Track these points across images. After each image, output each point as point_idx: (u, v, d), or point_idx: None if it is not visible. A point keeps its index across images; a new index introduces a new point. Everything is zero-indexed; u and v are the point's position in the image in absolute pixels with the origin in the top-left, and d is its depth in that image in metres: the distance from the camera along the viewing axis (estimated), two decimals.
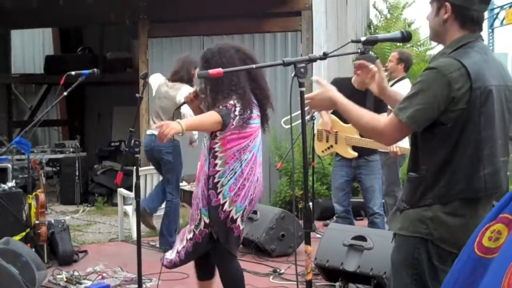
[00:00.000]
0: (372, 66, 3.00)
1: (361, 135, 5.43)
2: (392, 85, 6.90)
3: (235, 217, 3.87)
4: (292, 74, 2.74)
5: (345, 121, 5.64)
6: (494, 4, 26.28)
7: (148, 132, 6.70)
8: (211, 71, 2.80)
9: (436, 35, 2.73)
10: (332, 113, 5.82)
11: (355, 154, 5.66)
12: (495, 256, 2.10)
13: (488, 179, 2.56)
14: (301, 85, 2.73)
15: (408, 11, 11.64)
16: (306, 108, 2.79)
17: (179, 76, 6.45)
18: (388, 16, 11.83)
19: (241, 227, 3.92)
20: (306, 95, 2.81)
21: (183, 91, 6.07)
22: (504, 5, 26.98)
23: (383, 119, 2.68)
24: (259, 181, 3.94)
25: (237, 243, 4.01)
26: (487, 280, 2.06)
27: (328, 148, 5.89)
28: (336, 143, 5.78)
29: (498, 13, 27.03)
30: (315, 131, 7.68)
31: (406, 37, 2.89)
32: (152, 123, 6.61)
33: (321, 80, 2.98)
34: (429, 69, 2.55)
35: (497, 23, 27.48)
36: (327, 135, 5.85)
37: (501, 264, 2.00)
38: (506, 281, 1.93)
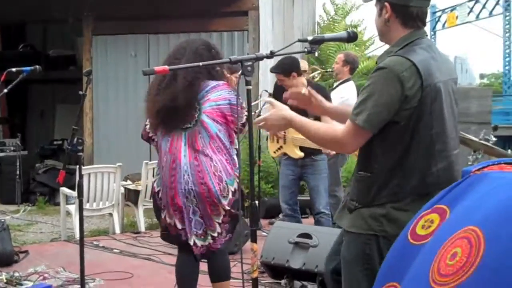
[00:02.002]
0: (303, 91, 3.01)
1: None
2: (336, 87, 7.00)
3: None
4: (239, 73, 2.73)
5: None
6: (436, 8, 26.96)
7: None
8: (156, 68, 2.77)
9: (382, 35, 2.76)
10: None
11: (302, 154, 5.70)
12: (426, 242, 2.14)
13: (441, 173, 2.60)
14: (247, 83, 2.73)
15: (355, 14, 11.90)
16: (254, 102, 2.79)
17: None
18: (335, 17, 12.02)
19: (162, 216, 3.96)
20: (258, 118, 2.82)
21: None
22: (446, 8, 27.71)
23: (339, 128, 2.67)
24: (165, 169, 3.90)
25: (163, 234, 4.07)
26: (417, 264, 2.10)
27: (279, 149, 5.92)
28: (284, 143, 5.82)
29: (440, 16, 27.72)
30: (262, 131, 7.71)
31: (352, 37, 2.92)
32: None
33: (273, 100, 2.99)
34: (380, 69, 2.55)
35: (439, 26, 28.16)
36: (277, 136, 5.88)
37: (432, 249, 2.04)
38: (436, 264, 1.97)
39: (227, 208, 3.85)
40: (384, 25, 2.69)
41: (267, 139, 6.43)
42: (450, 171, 2.63)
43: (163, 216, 3.95)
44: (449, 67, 2.76)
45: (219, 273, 4.09)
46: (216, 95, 3.88)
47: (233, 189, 3.86)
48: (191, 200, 3.82)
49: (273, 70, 5.74)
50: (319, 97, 3.08)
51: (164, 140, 3.89)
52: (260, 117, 2.89)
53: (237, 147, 3.93)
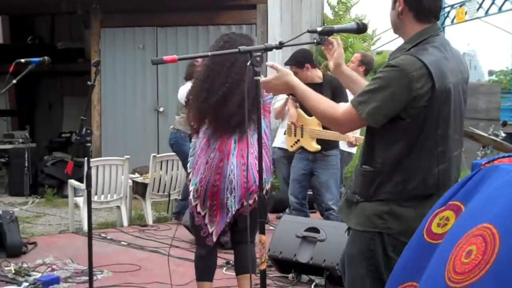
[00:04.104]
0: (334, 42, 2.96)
1: (323, 127, 5.45)
2: None
3: (190, 189, 3.93)
4: (248, 63, 2.72)
5: (309, 114, 5.65)
6: (445, 3, 26.78)
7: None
8: (165, 57, 2.76)
9: (396, 28, 2.74)
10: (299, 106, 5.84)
11: (318, 147, 5.66)
12: (442, 241, 2.13)
13: (442, 175, 2.59)
14: (256, 73, 2.72)
15: (357, 8, 11.88)
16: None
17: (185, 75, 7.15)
18: (339, 12, 11.98)
19: (193, 203, 3.90)
20: (261, 80, 2.78)
21: (181, 88, 6.85)
22: (455, 4, 27.54)
23: (340, 108, 2.67)
24: (210, 164, 3.83)
25: (191, 222, 4.04)
26: (433, 263, 2.09)
27: (296, 142, 5.86)
28: (302, 136, 5.78)
29: (449, 12, 27.56)
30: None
31: (361, 28, 2.94)
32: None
33: (277, 65, 2.95)
34: (391, 66, 2.54)
35: (447, 21, 28.02)
36: (295, 130, 5.84)
37: (447, 247, 2.03)
38: (451, 263, 1.95)
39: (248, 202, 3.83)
40: (398, 18, 2.68)
41: (285, 133, 6.38)
42: (449, 173, 2.63)
43: (193, 203, 3.92)
44: (461, 66, 2.73)
45: (246, 265, 4.03)
46: None
47: (267, 188, 3.88)
48: (231, 200, 3.83)
49: (287, 62, 5.71)
50: (341, 51, 2.97)
51: (213, 137, 3.85)
52: (264, 79, 2.85)
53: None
